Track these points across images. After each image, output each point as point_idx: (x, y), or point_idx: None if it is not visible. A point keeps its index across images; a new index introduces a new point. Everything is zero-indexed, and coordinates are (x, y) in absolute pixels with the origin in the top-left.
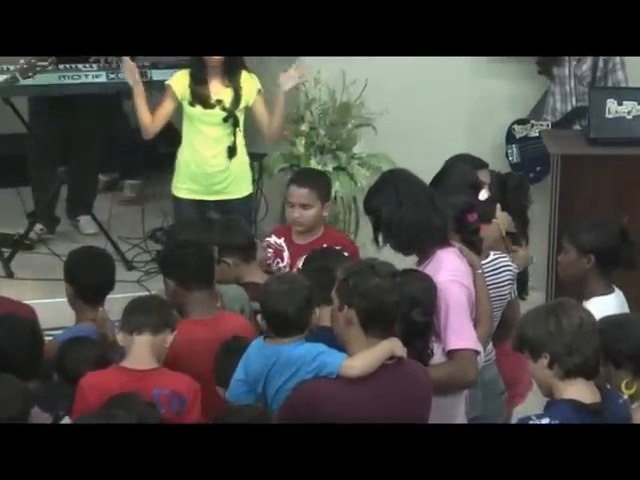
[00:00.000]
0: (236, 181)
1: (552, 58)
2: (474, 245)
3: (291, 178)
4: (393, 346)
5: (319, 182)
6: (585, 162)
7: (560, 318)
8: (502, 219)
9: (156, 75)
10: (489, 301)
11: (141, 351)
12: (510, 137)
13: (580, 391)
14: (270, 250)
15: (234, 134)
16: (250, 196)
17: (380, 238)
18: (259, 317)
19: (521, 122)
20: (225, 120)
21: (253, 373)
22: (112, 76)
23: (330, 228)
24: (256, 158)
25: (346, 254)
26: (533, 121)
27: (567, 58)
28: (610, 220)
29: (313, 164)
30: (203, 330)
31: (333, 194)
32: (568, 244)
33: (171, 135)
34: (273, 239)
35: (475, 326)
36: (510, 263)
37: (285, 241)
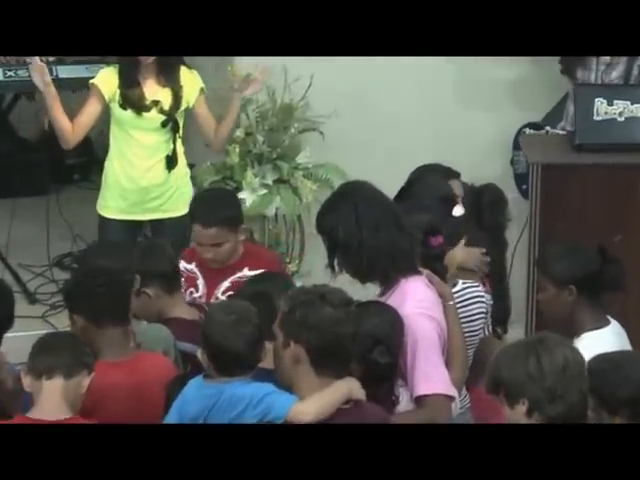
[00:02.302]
0: (176, 196)
1: (578, 58)
2: (437, 273)
3: (192, 214)
4: (350, 387)
5: (226, 214)
6: (570, 172)
7: (541, 357)
8: (465, 252)
9: (62, 72)
10: (463, 338)
11: (52, 398)
12: (518, 142)
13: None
14: (182, 279)
15: (173, 141)
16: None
17: (335, 263)
18: (199, 353)
19: (534, 126)
20: (163, 125)
21: (188, 416)
22: (10, 74)
23: (252, 246)
24: None
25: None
26: (548, 128)
27: (595, 60)
28: (584, 240)
29: (250, 176)
30: (118, 373)
31: (274, 211)
32: (542, 278)
33: (81, 143)
34: (182, 265)
35: (447, 367)
36: (483, 294)
37: (198, 267)
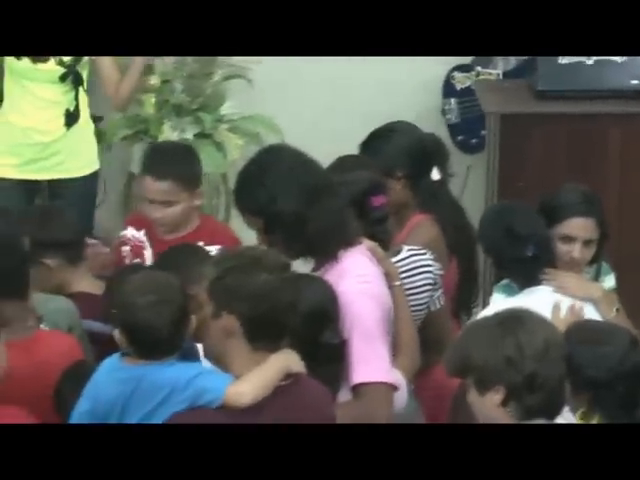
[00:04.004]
0: (76, 155)
1: None
2: (377, 239)
3: (143, 165)
4: (287, 361)
5: (182, 168)
6: (531, 122)
7: (520, 338)
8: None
9: None
10: (413, 324)
11: None
12: (448, 88)
13: None
14: (127, 247)
15: (75, 95)
16: (95, 174)
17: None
18: (115, 332)
19: (463, 69)
20: (62, 79)
21: (104, 402)
22: None
23: (208, 218)
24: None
25: (210, 251)
26: (479, 68)
27: None
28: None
29: (167, 130)
30: (17, 354)
31: None
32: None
33: None
34: (130, 232)
35: (396, 353)
36: (430, 262)
37: (147, 234)
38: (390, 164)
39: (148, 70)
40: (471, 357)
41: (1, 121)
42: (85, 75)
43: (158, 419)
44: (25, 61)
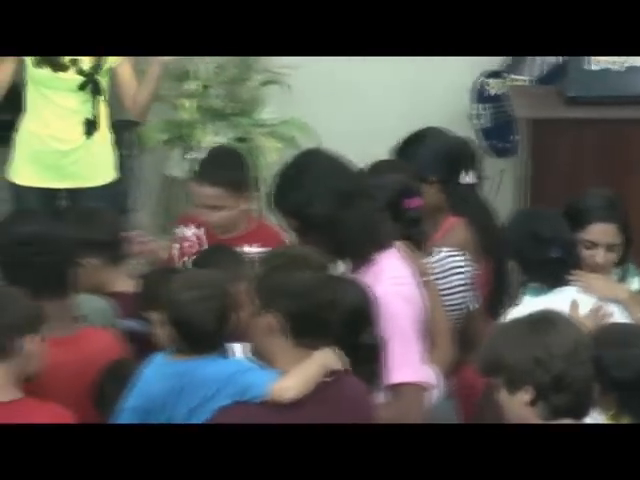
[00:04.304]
0: (95, 164)
1: None
2: (413, 240)
3: (194, 171)
4: (329, 358)
5: (231, 174)
6: (561, 127)
7: (549, 339)
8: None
9: None
10: (445, 317)
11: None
12: (480, 94)
13: None
14: (187, 244)
15: (95, 105)
16: (113, 184)
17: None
18: (161, 328)
19: (495, 75)
20: (81, 87)
21: (152, 398)
22: None
23: (262, 222)
24: (128, 127)
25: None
26: (510, 74)
27: None
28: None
29: (205, 134)
30: (63, 351)
31: None
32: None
33: (13, 99)
34: (181, 230)
35: (431, 350)
36: (466, 263)
37: (206, 233)
38: (423, 169)
39: (187, 75)
40: (501, 357)
41: (22, 129)
42: (105, 84)
43: (205, 413)
44: (46, 70)
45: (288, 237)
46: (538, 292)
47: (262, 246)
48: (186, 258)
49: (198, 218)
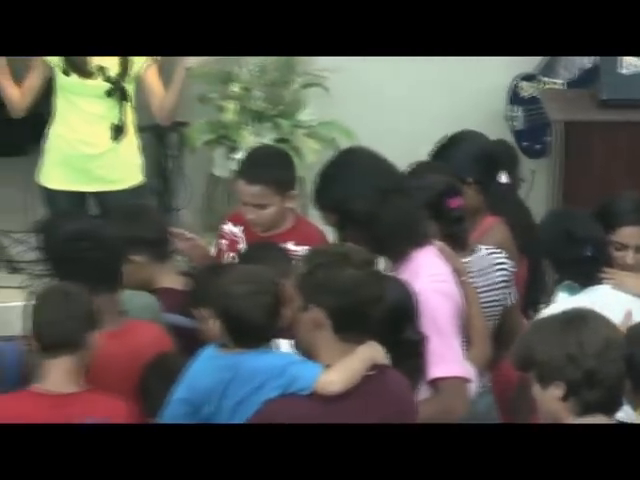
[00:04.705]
0: (122, 167)
1: None
2: (456, 238)
3: (238, 169)
4: (373, 352)
5: (273, 173)
6: (594, 129)
7: (582, 336)
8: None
9: None
10: (483, 317)
11: (59, 373)
12: (515, 96)
13: None
14: (224, 241)
15: (122, 110)
16: (139, 187)
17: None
18: (211, 322)
19: (529, 78)
20: (108, 94)
21: (201, 390)
22: None
23: (302, 219)
24: (174, 128)
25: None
26: (544, 78)
27: None
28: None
29: (247, 135)
30: (113, 344)
31: None
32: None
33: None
34: (229, 227)
35: (468, 346)
36: (505, 260)
37: (244, 231)
38: (461, 171)
39: (229, 78)
40: (535, 353)
41: (51, 134)
42: (131, 91)
43: (253, 404)
44: (73, 77)
45: (328, 234)
46: (572, 289)
47: (302, 243)
48: (228, 255)
49: (241, 216)
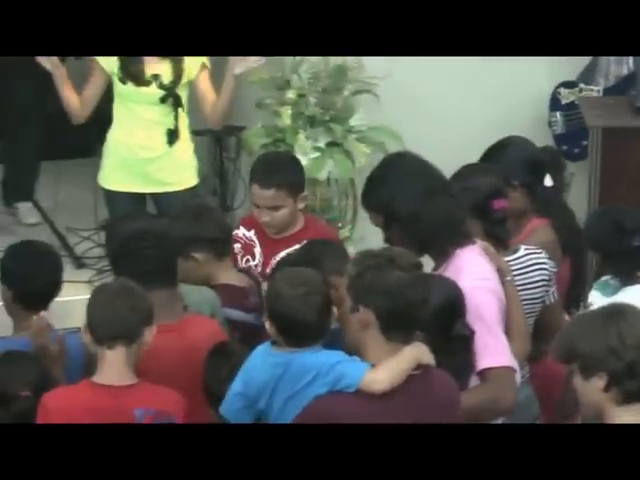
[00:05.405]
0: (178, 170)
1: None
2: (498, 239)
3: (251, 174)
4: (419, 352)
5: (286, 177)
6: (630, 135)
7: (622, 329)
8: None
9: None
10: (523, 314)
11: (116, 365)
12: (555, 103)
13: (637, 419)
14: (238, 245)
15: (176, 116)
16: (195, 188)
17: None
18: (266, 325)
19: (568, 85)
20: (162, 100)
21: (256, 385)
22: None
23: (313, 219)
24: (233, 132)
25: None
26: (582, 85)
27: None
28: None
29: (302, 139)
30: (169, 337)
31: (326, 175)
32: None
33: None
34: (242, 231)
35: (508, 342)
36: (545, 260)
37: (257, 234)
38: (508, 174)
39: (285, 85)
40: (577, 345)
41: (110, 139)
42: (185, 97)
43: (302, 400)
44: (129, 85)
45: (336, 231)
46: (606, 287)
47: None
48: (243, 258)
49: (252, 220)
